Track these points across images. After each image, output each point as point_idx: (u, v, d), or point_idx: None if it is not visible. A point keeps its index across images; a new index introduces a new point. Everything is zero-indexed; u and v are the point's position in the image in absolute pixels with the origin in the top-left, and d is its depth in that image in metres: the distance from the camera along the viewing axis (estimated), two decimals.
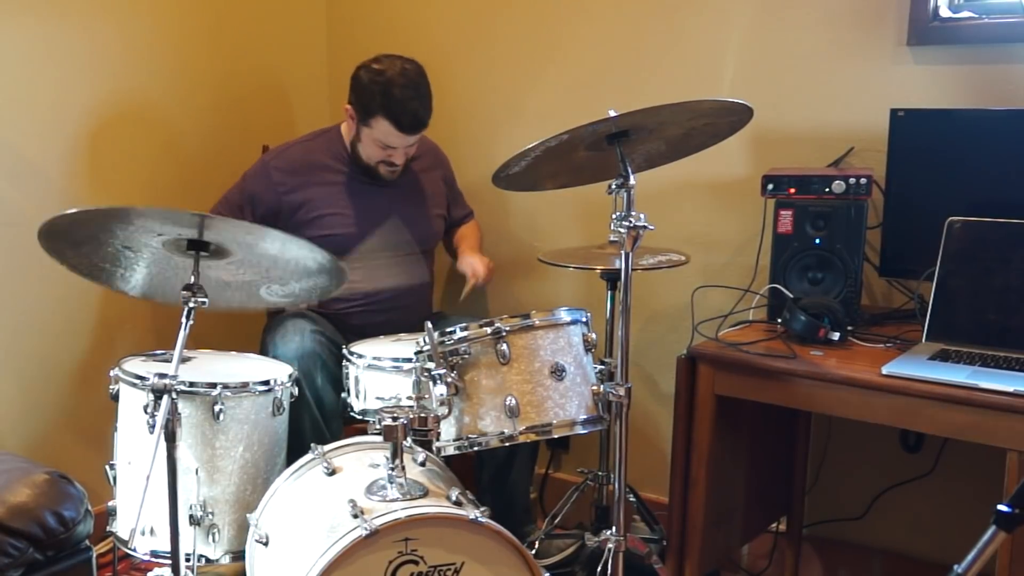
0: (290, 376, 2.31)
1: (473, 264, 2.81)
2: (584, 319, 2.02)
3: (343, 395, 2.47)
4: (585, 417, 1.94)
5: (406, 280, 2.76)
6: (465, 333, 1.92)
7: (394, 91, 2.60)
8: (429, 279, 2.92)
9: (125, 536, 2.20)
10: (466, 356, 1.92)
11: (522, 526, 2.68)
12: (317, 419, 2.47)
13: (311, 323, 2.59)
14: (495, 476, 2.65)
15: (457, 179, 3.08)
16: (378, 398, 2.32)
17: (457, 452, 1.94)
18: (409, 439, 1.99)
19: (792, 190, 2.33)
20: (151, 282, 2.06)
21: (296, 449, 2.25)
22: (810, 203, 2.32)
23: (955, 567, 1.39)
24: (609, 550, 1.95)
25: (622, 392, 1.90)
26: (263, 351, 2.57)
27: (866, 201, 2.29)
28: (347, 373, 2.45)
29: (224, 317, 2.98)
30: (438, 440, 1.95)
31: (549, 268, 2.53)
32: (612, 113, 1.79)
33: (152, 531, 2.14)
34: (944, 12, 2.42)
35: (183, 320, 1.82)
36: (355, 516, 1.79)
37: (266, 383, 2.22)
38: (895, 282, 2.46)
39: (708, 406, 2.17)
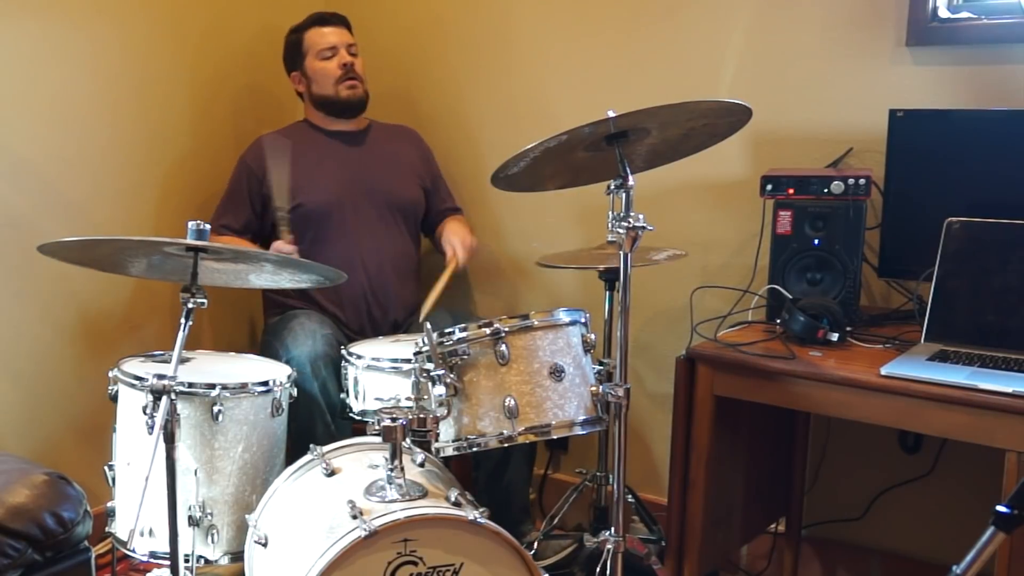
0: (289, 377, 2.31)
1: (453, 243, 2.81)
2: (583, 320, 2.02)
3: (342, 395, 2.48)
4: (584, 418, 1.94)
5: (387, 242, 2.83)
6: (464, 334, 1.92)
7: (308, 17, 2.91)
8: (415, 257, 2.94)
9: (124, 537, 2.20)
10: (465, 357, 1.92)
11: (519, 526, 2.68)
12: (328, 421, 2.48)
13: (319, 324, 2.61)
14: (491, 476, 2.65)
15: (456, 179, 3.08)
16: (377, 399, 2.32)
17: (456, 453, 1.94)
18: (408, 440, 1.99)
19: (791, 191, 2.33)
20: (150, 268, 2.07)
21: (304, 450, 2.24)
22: (809, 204, 2.32)
23: (954, 568, 1.39)
24: (608, 551, 1.95)
25: (621, 393, 1.90)
26: (269, 353, 2.57)
27: (865, 202, 2.29)
28: (346, 374, 2.45)
29: (223, 318, 2.99)
30: (437, 441, 1.95)
31: (548, 268, 2.53)
32: (611, 114, 1.79)
33: (151, 532, 2.14)
34: (943, 13, 2.42)
35: (182, 321, 1.82)
36: (354, 517, 1.79)
37: (265, 384, 2.22)
38: (894, 283, 2.46)
39: (707, 407, 2.17)
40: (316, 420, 2.46)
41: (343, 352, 2.47)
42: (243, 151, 2.90)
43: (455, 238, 2.83)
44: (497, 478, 2.65)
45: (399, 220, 2.89)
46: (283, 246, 2.64)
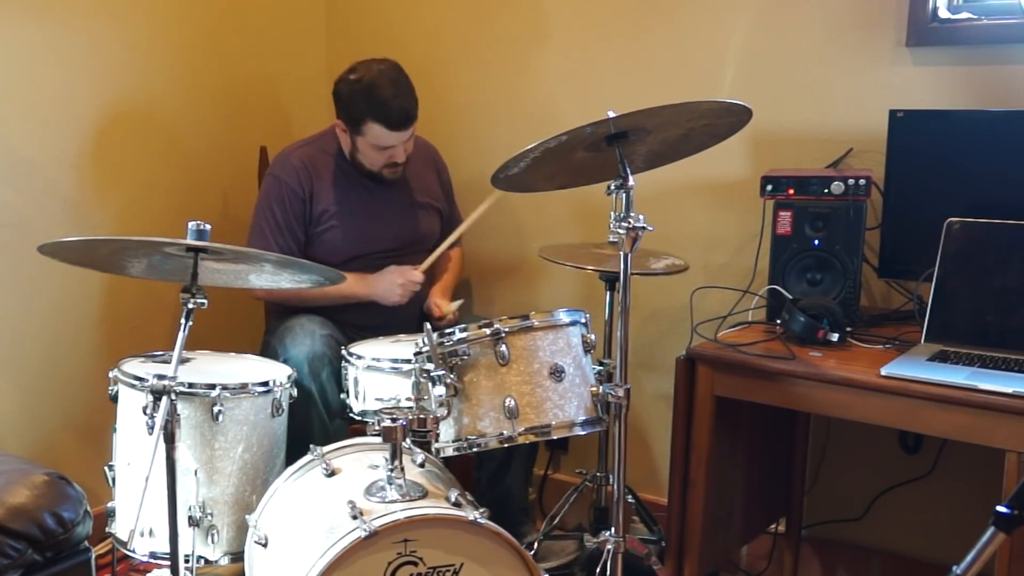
0: (289, 377, 2.31)
1: (438, 304, 2.79)
2: (583, 320, 2.02)
3: (342, 396, 2.47)
4: (584, 418, 1.94)
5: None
6: (464, 334, 1.92)
7: (376, 93, 2.61)
8: (425, 285, 2.92)
9: (124, 537, 2.20)
10: (465, 357, 1.92)
11: (519, 526, 2.68)
12: (325, 420, 2.48)
13: (319, 324, 2.59)
14: (493, 475, 2.65)
15: (457, 179, 3.07)
16: (377, 399, 2.33)
17: (456, 453, 1.94)
18: (408, 440, 1.99)
19: (791, 191, 2.33)
20: (150, 268, 2.06)
21: (302, 449, 2.25)
22: (809, 204, 2.32)
23: (954, 568, 1.39)
24: (608, 551, 1.95)
25: (621, 393, 1.90)
26: (268, 353, 2.57)
27: (865, 202, 2.29)
28: (346, 374, 2.45)
29: (223, 318, 2.98)
30: (437, 441, 1.95)
31: (548, 269, 2.54)
32: (611, 114, 1.79)
33: (151, 532, 2.14)
34: (943, 13, 2.42)
35: (182, 321, 1.82)
36: (354, 517, 1.79)
37: (265, 384, 2.22)
38: (894, 283, 2.46)
39: (707, 407, 2.17)
40: (313, 420, 2.46)
41: (343, 352, 2.47)
42: (273, 169, 2.77)
43: (440, 302, 2.81)
44: (499, 479, 2.65)
45: (417, 252, 2.85)
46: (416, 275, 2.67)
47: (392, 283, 2.67)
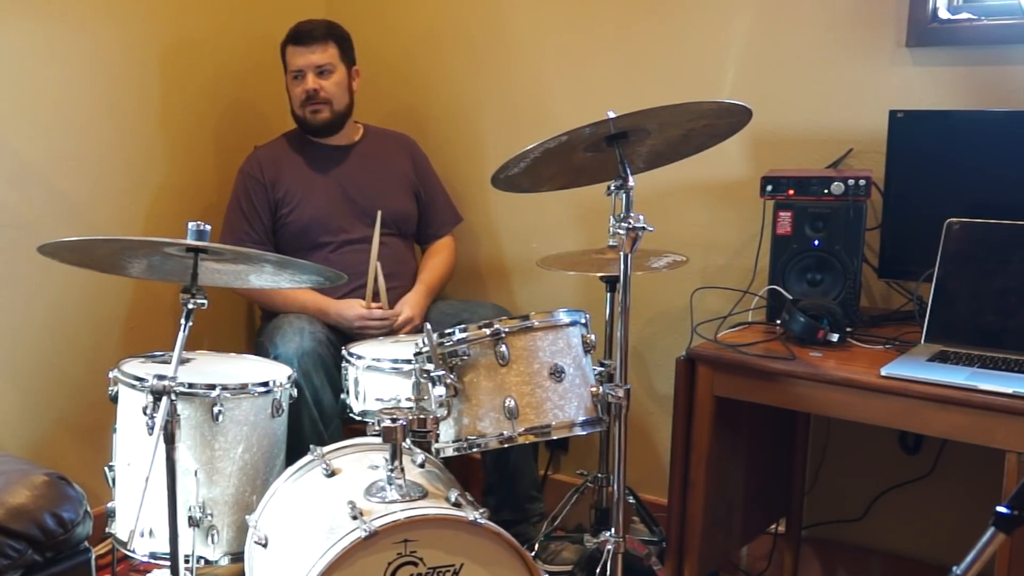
0: (289, 377, 2.31)
1: (403, 309, 2.75)
2: (583, 320, 2.02)
3: (342, 396, 2.47)
4: (584, 418, 1.94)
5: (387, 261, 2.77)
6: (464, 335, 1.92)
7: (296, 25, 2.87)
8: (412, 263, 2.93)
9: (124, 537, 2.20)
10: (465, 358, 1.92)
11: (532, 503, 2.72)
12: (316, 419, 2.48)
13: (309, 323, 2.60)
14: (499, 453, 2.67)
15: (457, 180, 3.07)
16: (377, 399, 2.33)
17: (456, 454, 1.94)
18: (408, 440, 1.99)
19: (791, 191, 2.33)
20: (150, 268, 2.07)
21: (295, 450, 2.25)
22: (809, 204, 2.32)
23: (954, 568, 1.39)
24: (608, 551, 1.95)
25: (621, 393, 1.90)
26: (260, 352, 2.58)
27: (865, 202, 2.29)
28: (346, 374, 2.45)
29: (223, 318, 2.99)
30: (437, 441, 1.95)
31: (549, 269, 2.53)
32: (611, 114, 1.79)
33: (151, 532, 2.14)
34: (943, 13, 2.42)
35: (182, 322, 1.82)
36: (354, 517, 1.79)
37: (265, 384, 2.22)
38: (894, 283, 2.46)
39: (707, 407, 2.17)
40: (304, 418, 2.46)
41: (343, 352, 2.47)
42: (241, 164, 2.89)
43: (408, 307, 2.76)
44: (504, 459, 2.66)
45: (392, 231, 2.86)
46: (366, 311, 2.65)
47: (351, 316, 2.66)
